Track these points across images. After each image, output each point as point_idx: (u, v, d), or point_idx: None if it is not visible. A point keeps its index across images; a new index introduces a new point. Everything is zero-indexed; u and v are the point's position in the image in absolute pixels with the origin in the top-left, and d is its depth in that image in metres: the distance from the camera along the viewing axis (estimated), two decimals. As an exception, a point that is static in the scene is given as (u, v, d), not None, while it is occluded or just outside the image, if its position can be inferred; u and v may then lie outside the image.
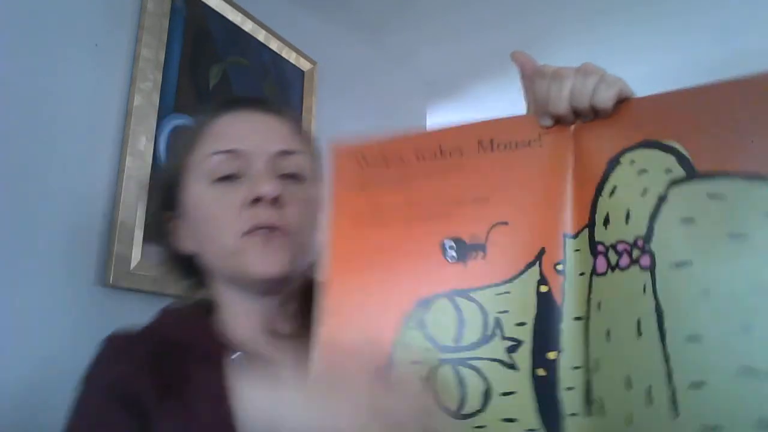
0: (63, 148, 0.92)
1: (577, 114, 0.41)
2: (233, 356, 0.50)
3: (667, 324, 0.34)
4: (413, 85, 1.94)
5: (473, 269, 0.39)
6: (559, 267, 0.38)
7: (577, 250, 0.39)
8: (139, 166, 1.01)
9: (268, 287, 0.53)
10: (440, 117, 2.02)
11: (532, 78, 0.44)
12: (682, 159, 0.37)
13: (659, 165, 0.37)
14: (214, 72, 1.22)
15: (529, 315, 0.38)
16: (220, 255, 0.53)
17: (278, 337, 0.54)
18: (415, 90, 1.95)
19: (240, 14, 1.29)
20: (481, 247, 0.39)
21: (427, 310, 0.39)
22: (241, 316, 0.55)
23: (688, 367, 0.33)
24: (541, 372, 0.37)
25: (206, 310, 0.57)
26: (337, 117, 1.49)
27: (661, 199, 0.36)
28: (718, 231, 0.34)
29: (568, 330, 0.37)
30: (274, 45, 1.38)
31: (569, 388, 0.37)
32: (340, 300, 0.40)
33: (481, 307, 0.38)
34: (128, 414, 0.47)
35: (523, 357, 0.37)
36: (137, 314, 0.98)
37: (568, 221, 0.39)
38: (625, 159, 0.39)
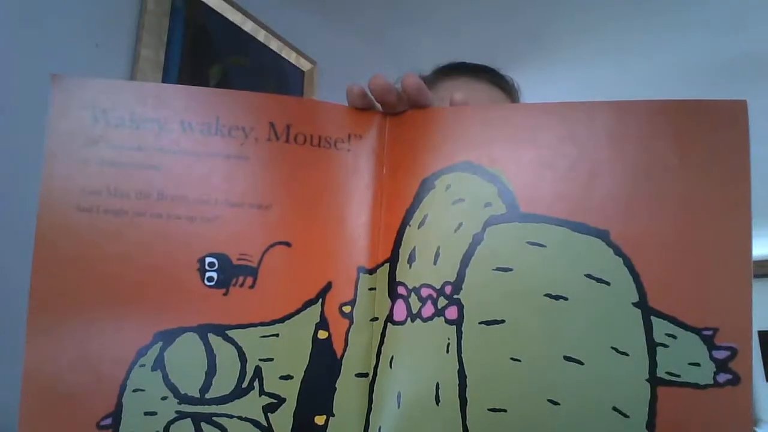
0: (63, 148, 0.92)
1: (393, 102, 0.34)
2: None
3: (469, 392, 0.29)
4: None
5: (236, 300, 0.31)
6: (346, 309, 0.31)
7: (372, 289, 0.32)
8: (139, 166, 1.00)
9: None
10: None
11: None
12: (504, 192, 0.31)
13: (478, 196, 0.31)
14: (214, 72, 1.22)
15: (299, 367, 0.30)
16: None
17: None
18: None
19: (240, 14, 1.29)
20: (250, 272, 0.31)
21: (169, 346, 0.30)
22: None
23: None
24: None
25: None
26: (338, 117, 1.49)
27: (477, 239, 0.31)
28: (535, 288, 0.29)
29: (346, 389, 0.30)
30: (274, 45, 1.38)
31: None
32: (58, 322, 0.31)
33: (240, 351, 0.30)
34: None
35: (283, 419, 0.30)
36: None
37: (365, 252, 0.32)
38: (440, 182, 0.32)
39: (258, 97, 0.33)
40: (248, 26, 1.31)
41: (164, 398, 0.30)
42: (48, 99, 0.32)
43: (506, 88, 0.60)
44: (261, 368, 0.30)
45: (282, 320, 0.31)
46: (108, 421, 0.29)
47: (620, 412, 0.28)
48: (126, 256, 0.30)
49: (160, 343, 0.30)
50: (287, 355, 0.31)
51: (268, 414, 0.30)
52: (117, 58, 1.03)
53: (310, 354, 0.31)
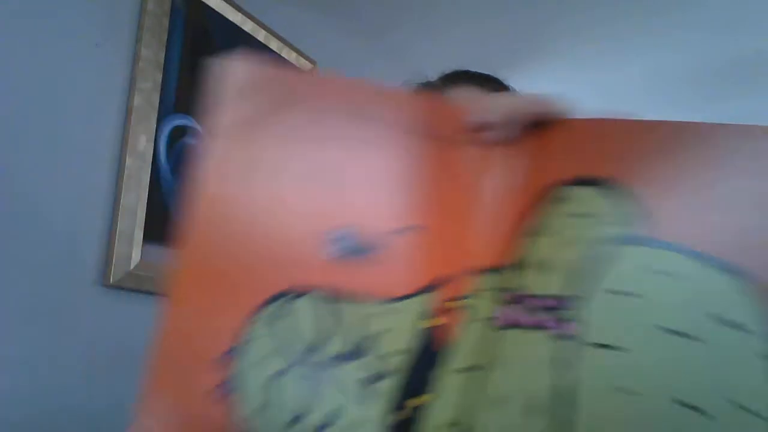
0: (63, 148, 0.92)
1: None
2: None
3: (573, 411, 0.28)
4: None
5: (355, 274, 0.32)
6: (458, 304, 0.31)
7: (483, 291, 0.32)
8: (139, 166, 1.01)
9: None
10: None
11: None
12: (635, 213, 0.30)
13: (606, 213, 0.30)
14: (214, 72, 1.22)
15: (403, 349, 0.31)
16: None
17: None
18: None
19: (240, 14, 1.29)
20: (373, 250, 0.32)
21: (286, 307, 0.32)
22: None
23: None
24: (397, 417, 0.30)
25: None
26: (338, 117, 1.49)
27: (601, 258, 0.30)
28: (656, 319, 0.28)
29: (445, 380, 0.30)
30: (274, 45, 1.38)
31: None
32: (191, 276, 0.33)
33: (350, 323, 0.31)
34: None
35: (380, 395, 0.30)
36: (137, 314, 0.98)
37: (485, 252, 0.32)
38: (569, 194, 0.31)
39: (399, 92, 0.35)
40: (248, 26, 1.31)
41: (275, 352, 0.32)
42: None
43: None
44: (367, 343, 0.31)
45: (395, 301, 0.32)
46: (225, 357, 0.32)
47: None
48: (259, 220, 0.33)
49: (279, 302, 0.32)
50: (394, 336, 0.31)
51: (367, 387, 0.31)
52: (117, 58, 1.03)
53: (416, 339, 0.31)
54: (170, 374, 0.32)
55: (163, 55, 1.09)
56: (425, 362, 0.31)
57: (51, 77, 0.92)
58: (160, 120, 1.07)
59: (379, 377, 0.31)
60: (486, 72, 0.62)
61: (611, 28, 1.60)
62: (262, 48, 1.35)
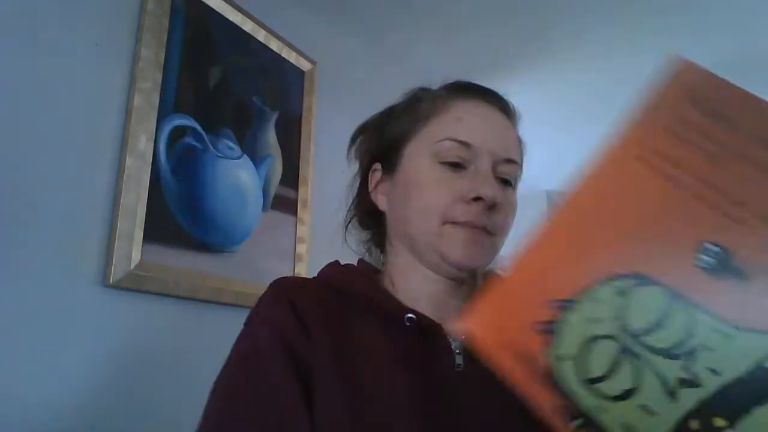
0: (63, 148, 0.92)
1: None
2: (407, 316, 0.52)
3: None
4: (413, 85, 1.93)
5: (714, 288, 0.33)
6: None
7: None
8: (139, 166, 1.01)
9: (455, 273, 0.55)
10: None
11: None
12: None
13: None
14: (214, 72, 1.22)
15: (732, 372, 0.32)
16: (418, 229, 0.55)
17: (445, 309, 0.56)
18: (415, 90, 1.95)
19: (240, 14, 1.29)
20: (741, 275, 0.33)
21: (636, 287, 0.35)
22: (413, 282, 0.57)
23: None
24: (694, 425, 0.32)
25: (374, 270, 0.62)
26: (337, 117, 1.50)
27: None
28: None
29: (757, 414, 0.31)
30: (274, 45, 1.38)
31: None
32: (567, 223, 0.37)
33: (693, 327, 0.33)
34: (289, 356, 0.48)
35: (688, 399, 0.32)
36: (137, 314, 0.98)
37: None
38: None
39: None
40: (248, 26, 1.32)
41: (605, 319, 0.35)
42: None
43: (510, 114, 0.60)
44: (699, 350, 0.33)
45: (739, 329, 0.33)
46: (559, 304, 0.35)
47: None
48: (642, 199, 0.36)
49: (631, 280, 0.35)
50: (728, 357, 0.32)
51: (681, 387, 0.32)
52: (117, 58, 1.03)
53: (750, 371, 0.32)
54: (510, 296, 0.37)
55: (163, 55, 1.10)
56: (752, 393, 0.31)
57: (51, 77, 0.92)
58: (160, 120, 1.07)
59: (693, 384, 0.32)
60: (485, 76, 0.62)
61: (611, 30, 1.60)
62: (262, 48, 1.35)
